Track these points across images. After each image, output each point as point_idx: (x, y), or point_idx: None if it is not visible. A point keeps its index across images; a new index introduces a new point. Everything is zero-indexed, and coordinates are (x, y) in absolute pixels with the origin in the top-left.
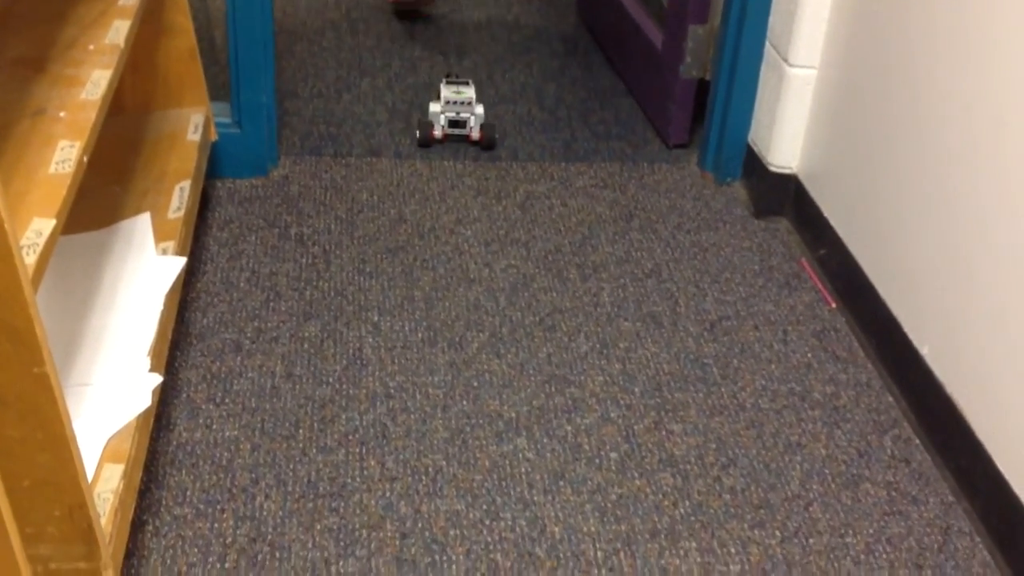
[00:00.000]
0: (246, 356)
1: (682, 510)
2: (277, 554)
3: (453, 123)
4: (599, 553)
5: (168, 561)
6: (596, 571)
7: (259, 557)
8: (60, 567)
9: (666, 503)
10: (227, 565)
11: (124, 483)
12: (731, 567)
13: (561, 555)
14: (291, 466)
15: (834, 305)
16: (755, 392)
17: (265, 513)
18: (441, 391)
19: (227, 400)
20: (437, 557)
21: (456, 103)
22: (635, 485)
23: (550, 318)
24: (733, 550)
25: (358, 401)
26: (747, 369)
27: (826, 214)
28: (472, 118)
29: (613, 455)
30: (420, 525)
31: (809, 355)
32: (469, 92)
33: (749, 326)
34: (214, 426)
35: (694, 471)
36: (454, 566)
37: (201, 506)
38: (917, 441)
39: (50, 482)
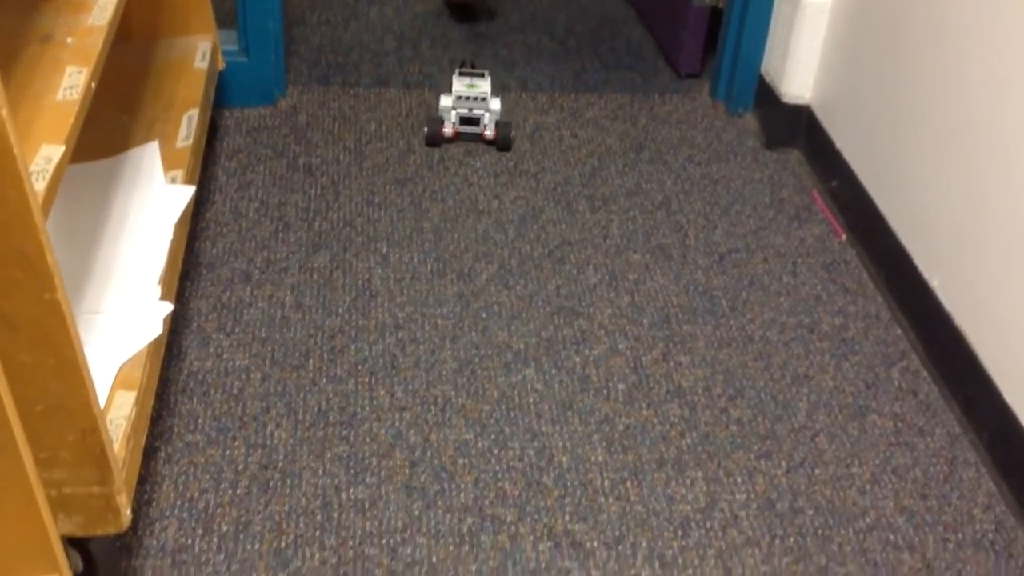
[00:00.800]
0: (256, 286)
1: (689, 440)
2: (288, 481)
3: (465, 120)
4: (606, 482)
5: (180, 487)
6: (603, 500)
7: (270, 484)
8: (74, 491)
9: (673, 433)
10: (239, 491)
11: (136, 410)
12: (737, 496)
13: (568, 484)
14: (301, 395)
15: (844, 237)
16: (763, 324)
17: (276, 441)
18: (450, 322)
19: (237, 330)
20: (446, 485)
21: (468, 99)
22: (642, 416)
23: (559, 250)
24: (739, 480)
25: (367, 332)
26: (756, 301)
27: (838, 145)
28: (486, 115)
29: (621, 386)
30: (429, 454)
31: (818, 287)
32: (484, 86)
33: (758, 258)
34: (224, 355)
35: (701, 402)
36: (463, 494)
37: (213, 433)
38: (925, 373)
39: (63, 407)
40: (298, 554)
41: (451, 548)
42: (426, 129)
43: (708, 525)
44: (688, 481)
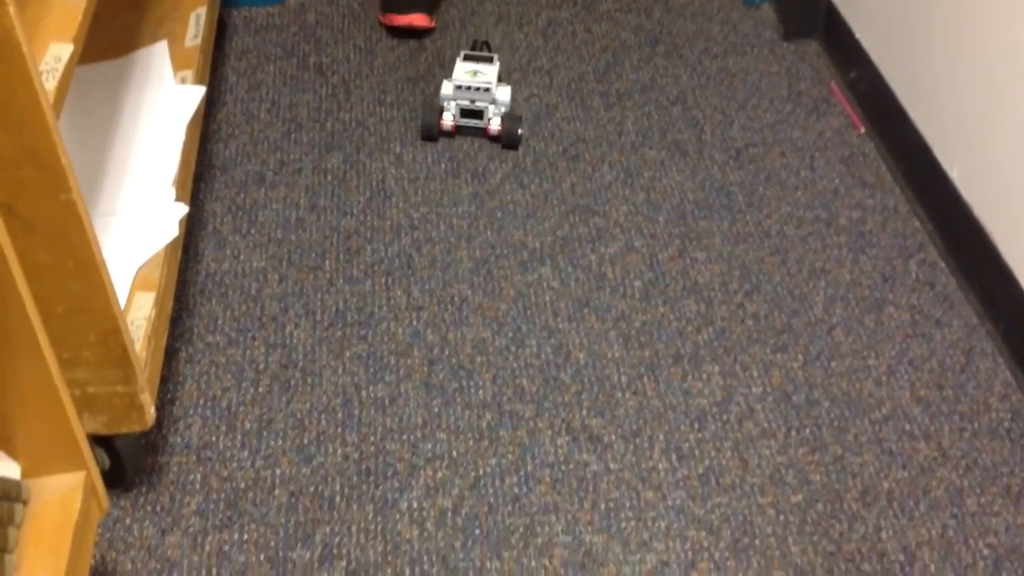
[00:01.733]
0: (269, 187)
1: (705, 336)
2: (308, 380)
3: (467, 112)
4: (623, 378)
5: (203, 386)
6: (620, 395)
7: (291, 382)
8: (98, 390)
9: (689, 329)
10: (260, 390)
11: (156, 311)
12: (753, 389)
13: (586, 380)
14: (319, 296)
15: (863, 129)
16: (780, 219)
17: (295, 341)
18: (465, 222)
19: (253, 231)
20: (464, 383)
21: (470, 88)
22: (659, 312)
23: (573, 148)
24: (755, 373)
25: (383, 232)
26: (773, 196)
27: (858, 35)
28: (490, 107)
29: (637, 283)
30: (447, 352)
31: (836, 181)
32: (489, 73)
33: (776, 153)
34: (241, 257)
35: (717, 298)
36: (481, 391)
37: (232, 334)
38: (942, 265)
39: (83, 308)
40: (320, 450)
41: (471, 443)
42: (421, 120)
43: (724, 418)
44: (704, 375)
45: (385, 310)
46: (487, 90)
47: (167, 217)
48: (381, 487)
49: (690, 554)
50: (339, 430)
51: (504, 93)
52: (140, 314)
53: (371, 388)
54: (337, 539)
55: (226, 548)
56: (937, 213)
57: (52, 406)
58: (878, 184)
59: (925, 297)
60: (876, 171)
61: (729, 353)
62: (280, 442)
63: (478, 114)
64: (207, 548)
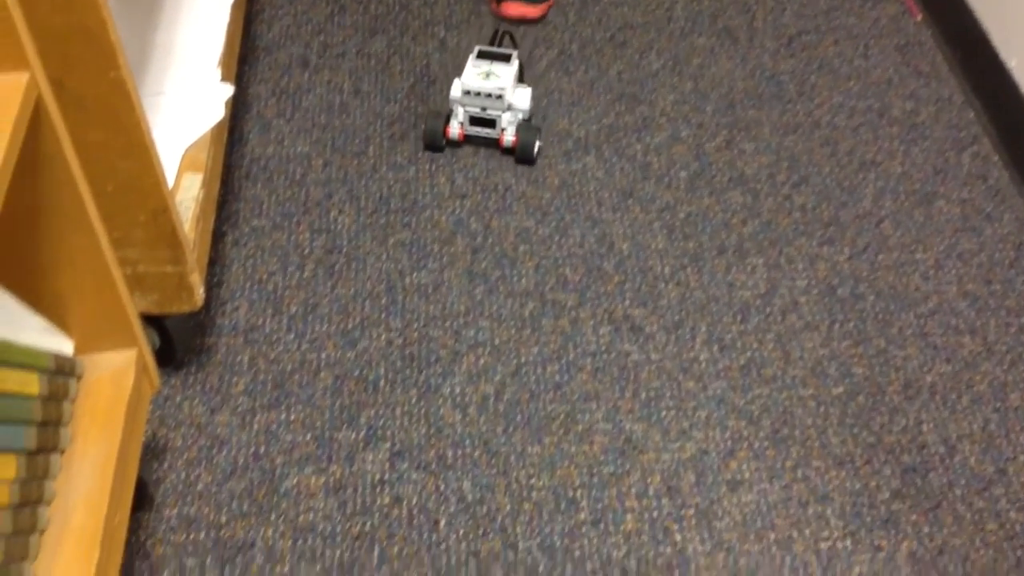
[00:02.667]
0: (313, 71)
1: (751, 228)
2: (353, 265)
3: (476, 120)
4: (666, 269)
5: (249, 269)
6: (663, 286)
7: (336, 267)
8: (148, 270)
9: (735, 221)
10: (305, 274)
11: (204, 192)
12: (797, 282)
13: (629, 270)
14: (363, 182)
15: (920, 17)
16: (832, 109)
17: (339, 227)
18: None
19: (297, 115)
20: (507, 271)
21: (480, 95)
22: (704, 203)
23: (621, 34)
24: (800, 266)
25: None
26: (824, 85)
27: None
28: (503, 116)
29: (683, 174)
30: (490, 240)
31: (890, 70)
32: (504, 76)
33: (829, 40)
34: (285, 141)
35: (764, 189)
36: (523, 279)
37: (277, 219)
38: (996, 158)
39: (133, 187)
40: (365, 334)
41: (513, 331)
42: (424, 126)
43: (767, 310)
44: (749, 268)
45: (428, 197)
46: (499, 97)
47: (213, 98)
48: (424, 372)
49: (729, 443)
50: (383, 316)
51: (522, 97)
52: (188, 195)
53: (414, 275)
54: (381, 421)
55: (273, 427)
56: (993, 104)
57: (104, 283)
58: (933, 74)
59: (977, 191)
60: (932, 60)
61: (775, 245)
62: (325, 326)
63: (490, 122)
64: (255, 427)
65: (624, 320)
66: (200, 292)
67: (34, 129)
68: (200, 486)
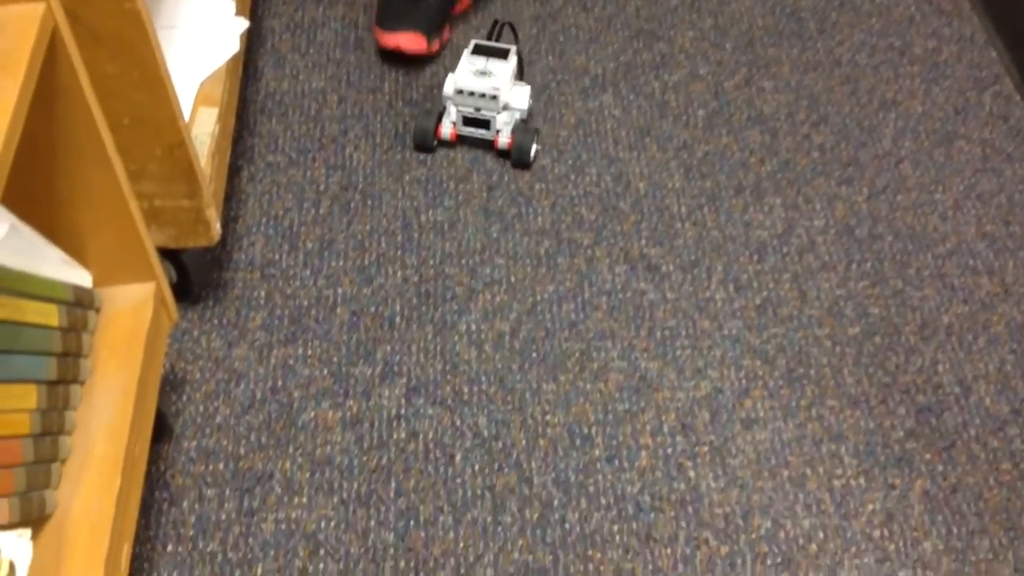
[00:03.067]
0: (328, 6)
1: (769, 167)
2: (368, 202)
3: (470, 121)
4: (683, 208)
5: (265, 205)
6: (679, 225)
7: (352, 204)
8: (164, 204)
9: (753, 160)
10: (321, 211)
11: (219, 126)
12: (815, 222)
13: (645, 209)
14: (378, 118)
15: None
16: (852, 47)
17: (355, 163)
18: (526, 45)
19: (311, 50)
20: (523, 209)
21: (474, 94)
22: (722, 142)
23: None
24: (818, 206)
25: (441, 55)
26: (846, 23)
27: None
28: (498, 117)
29: (700, 112)
30: (506, 178)
31: (912, 8)
32: (500, 75)
33: None
34: (300, 76)
35: (783, 128)
36: (539, 218)
37: (293, 154)
38: (1017, 98)
39: (148, 121)
40: (381, 271)
41: (528, 269)
42: (414, 128)
43: (784, 250)
44: (766, 207)
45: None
46: (494, 98)
47: (228, 31)
48: (440, 309)
49: (744, 382)
50: (399, 253)
51: (519, 97)
52: (203, 129)
53: (430, 212)
54: (397, 357)
55: (291, 362)
56: (1015, 45)
57: (121, 216)
58: (955, 12)
59: (998, 131)
60: None
61: (792, 185)
62: (341, 262)
63: (484, 123)
64: (272, 361)
65: (640, 259)
66: (216, 227)
67: (50, 60)
68: (219, 419)
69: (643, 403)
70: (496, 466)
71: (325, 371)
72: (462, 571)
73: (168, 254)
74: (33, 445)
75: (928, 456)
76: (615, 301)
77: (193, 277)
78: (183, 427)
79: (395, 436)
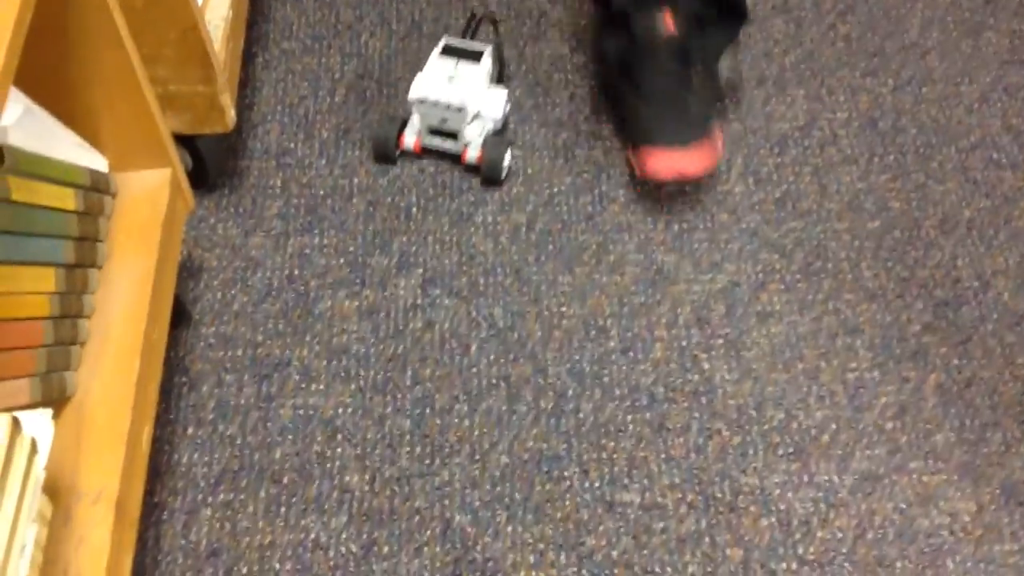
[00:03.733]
0: None
1: (792, 57)
2: (384, 91)
3: (436, 131)
4: None
5: (280, 93)
6: None
7: (367, 94)
8: (179, 89)
9: (776, 51)
10: (336, 99)
11: (232, 11)
12: (838, 114)
13: None
14: (394, 5)
15: None
16: None
17: (371, 51)
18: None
19: None
20: (541, 99)
21: (438, 105)
22: (745, 31)
23: None
24: (842, 98)
25: None
26: None
27: None
28: (466, 129)
29: None
30: (524, 68)
31: None
32: (471, 79)
33: None
34: None
35: (808, 18)
36: (558, 109)
37: (308, 41)
38: None
39: (161, 3)
40: (396, 161)
41: (546, 161)
42: (373, 134)
43: (806, 143)
44: (788, 99)
45: (461, 21)
46: (460, 109)
47: None
48: (456, 200)
49: (761, 276)
50: None
51: (493, 104)
52: (217, 14)
53: None
54: (414, 248)
55: (307, 251)
56: None
57: (136, 100)
58: None
59: None
60: None
61: (816, 76)
62: (357, 152)
63: (452, 134)
64: (288, 250)
65: None
66: (231, 113)
67: None
68: (236, 306)
69: (659, 296)
70: (511, 356)
71: (342, 260)
72: (477, 457)
73: (183, 141)
74: (52, 327)
75: (944, 350)
76: (632, 194)
77: (208, 164)
78: (201, 313)
79: (411, 326)
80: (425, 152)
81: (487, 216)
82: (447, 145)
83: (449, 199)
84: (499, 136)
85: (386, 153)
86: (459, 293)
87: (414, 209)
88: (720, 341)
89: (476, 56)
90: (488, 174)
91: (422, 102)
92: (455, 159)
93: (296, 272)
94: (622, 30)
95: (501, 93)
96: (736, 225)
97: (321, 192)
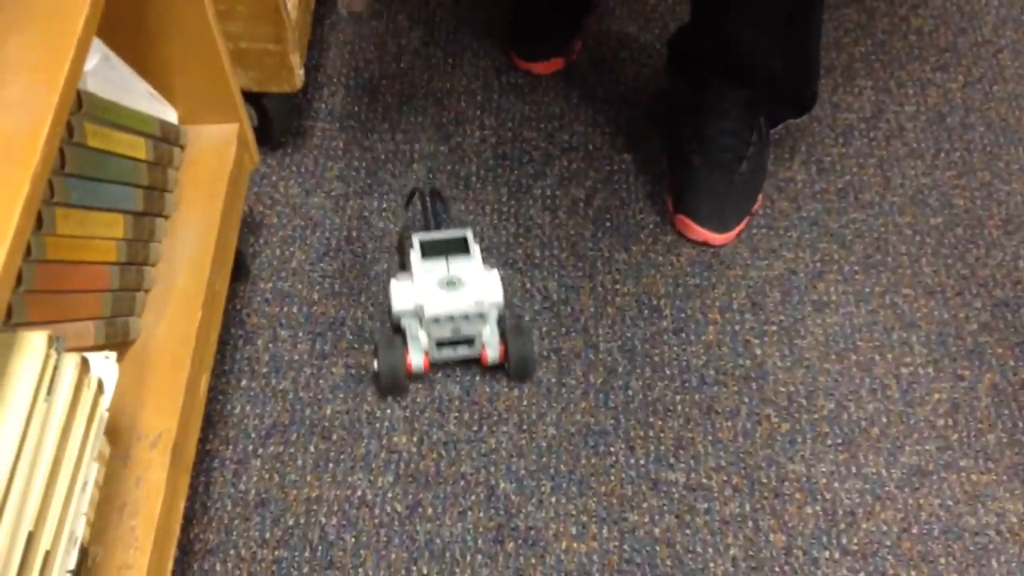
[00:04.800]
0: None
1: (862, 48)
2: (449, 60)
3: (446, 342)
4: None
5: (347, 56)
6: None
7: (432, 61)
8: (250, 46)
9: (847, 40)
10: (402, 65)
11: None
12: (906, 108)
13: None
14: None
15: None
16: None
17: (438, 19)
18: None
19: None
20: (605, 76)
21: (453, 318)
22: None
23: None
24: (911, 91)
25: None
26: None
27: None
28: (487, 329)
29: None
30: (590, 43)
31: None
32: (476, 277)
33: None
34: None
35: (881, 8)
36: (621, 86)
37: (376, 6)
38: None
39: None
40: (459, 130)
41: (607, 137)
42: (376, 365)
43: (871, 135)
44: (856, 89)
45: None
46: (479, 316)
47: None
48: (516, 172)
49: (819, 265)
50: (477, 113)
51: (495, 289)
52: None
53: (511, 74)
54: (472, 217)
55: (366, 214)
56: None
57: (209, 54)
58: None
59: None
60: None
61: (886, 68)
62: (420, 118)
63: (467, 340)
64: (348, 212)
65: None
66: (299, 73)
67: None
68: (294, 263)
69: (714, 279)
70: (563, 330)
71: (399, 226)
72: (524, 427)
73: (251, 98)
74: (119, 273)
75: (1000, 350)
76: None
77: (274, 123)
78: (259, 269)
79: None
80: (433, 368)
81: (546, 189)
82: (462, 352)
83: (509, 170)
84: (515, 323)
85: (396, 385)
86: (514, 264)
87: (473, 178)
88: (774, 328)
89: (462, 245)
90: (519, 371)
91: (436, 320)
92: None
93: (354, 234)
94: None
95: (492, 272)
96: (796, 213)
97: (383, 156)
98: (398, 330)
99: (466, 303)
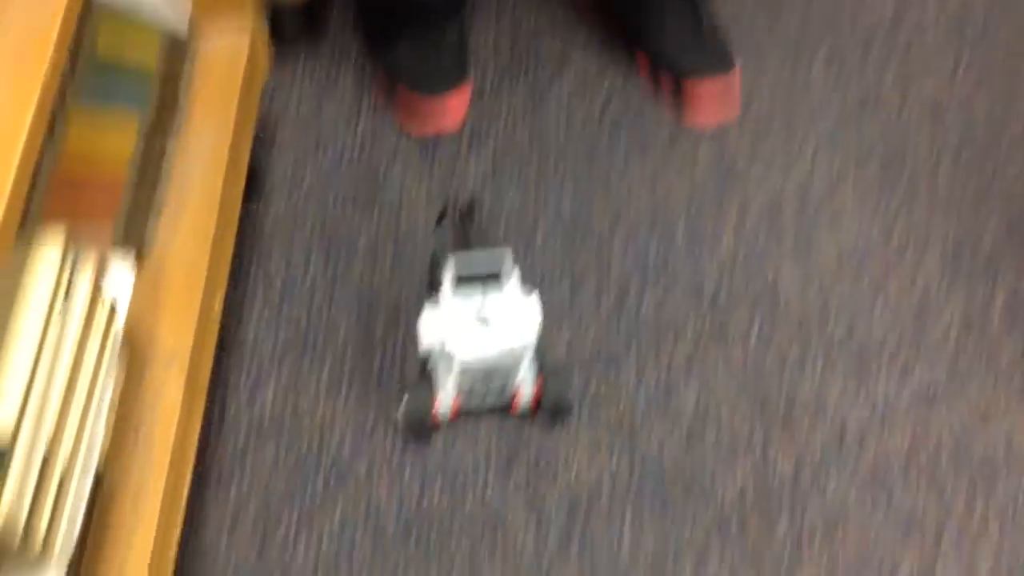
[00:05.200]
0: None
1: None
2: None
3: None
4: None
5: None
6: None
7: None
8: None
9: None
10: None
11: None
12: (928, 13)
13: None
14: None
15: None
16: None
17: None
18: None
19: None
20: None
21: (484, 371)
22: None
23: None
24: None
25: None
26: None
27: None
28: (526, 376)
29: None
30: None
31: None
32: (509, 318)
33: None
34: None
35: None
36: None
37: None
38: None
39: None
40: (473, 39)
41: (624, 47)
42: (401, 415)
43: (891, 43)
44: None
45: None
46: (518, 364)
47: None
48: (530, 76)
49: (835, 178)
50: (493, 23)
51: (534, 322)
52: None
53: None
54: (485, 126)
55: (378, 131)
56: None
57: None
58: None
59: None
60: None
61: None
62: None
63: (502, 392)
64: (360, 127)
65: (740, 37)
66: None
67: None
68: (307, 183)
69: (729, 193)
70: (576, 242)
71: (412, 143)
72: (540, 339)
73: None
74: (135, 172)
75: (1016, 266)
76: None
77: (287, 33)
78: (272, 188)
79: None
80: (460, 416)
81: (561, 98)
82: (491, 400)
83: (523, 78)
84: (551, 364)
85: (420, 432)
86: (528, 175)
87: (487, 88)
88: (788, 245)
89: (495, 278)
90: (557, 409)
91: (464, 372)
92: None
93: (367, 153)
94: None
95: (531, 298)
96: (812, 125)
97: None
98: (425, 368)
99: (504, 345)
